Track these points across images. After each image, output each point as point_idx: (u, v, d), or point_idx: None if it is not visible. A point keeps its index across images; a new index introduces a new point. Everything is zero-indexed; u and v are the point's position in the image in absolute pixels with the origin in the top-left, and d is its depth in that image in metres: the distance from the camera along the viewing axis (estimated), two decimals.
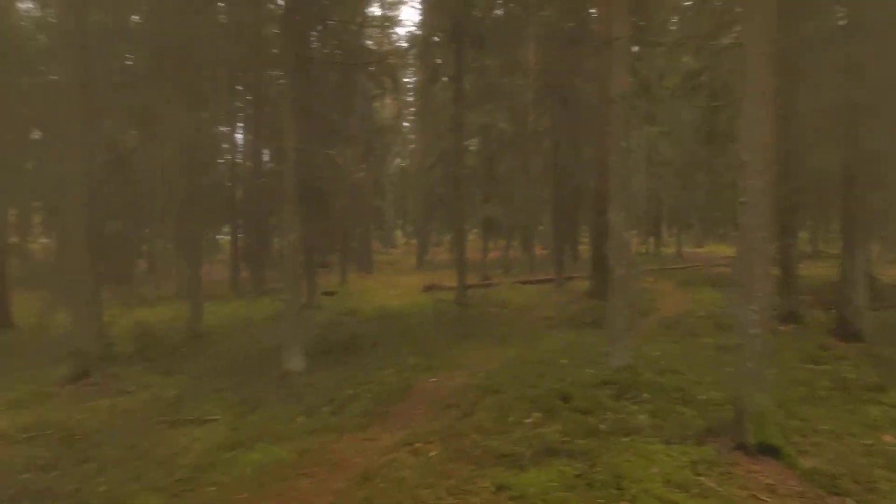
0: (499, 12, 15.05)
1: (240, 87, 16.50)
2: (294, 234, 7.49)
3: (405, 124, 39.16)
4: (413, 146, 36.44)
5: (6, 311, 12.40)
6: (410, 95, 38.48)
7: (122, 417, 6.48)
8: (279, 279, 21.18)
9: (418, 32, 23.49)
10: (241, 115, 18.24)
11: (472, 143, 24.61)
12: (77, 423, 6.17)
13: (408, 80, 32.25)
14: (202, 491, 4.48)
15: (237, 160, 18.90)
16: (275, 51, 13.84)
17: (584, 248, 30.75)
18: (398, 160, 43.30)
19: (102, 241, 8.50)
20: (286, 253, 7.87)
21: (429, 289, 18.34)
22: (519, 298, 15.01)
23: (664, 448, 4.41)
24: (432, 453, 4.66)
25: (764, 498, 3.77)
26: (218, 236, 20.69)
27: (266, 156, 16.29)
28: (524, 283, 18.24)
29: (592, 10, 14.46)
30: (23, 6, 14.37)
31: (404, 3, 29.86)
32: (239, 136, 19.81)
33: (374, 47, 22.61)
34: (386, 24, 27.62)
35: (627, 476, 3.93)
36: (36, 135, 14.66)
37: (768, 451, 4.21)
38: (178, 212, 11.12)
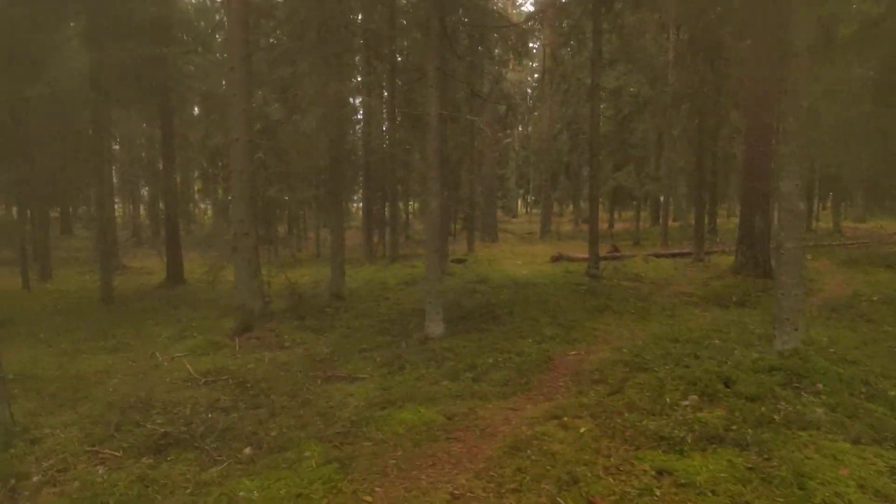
0: None
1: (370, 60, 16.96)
2: (437, 202, 7.60)
3: (528, 91, 38.31)
4: (536, 113, 35.47)
5: (180, 269, 14.02)
6: (535, 61, 37.49)
7: (283, 370, 7.04)
8: (407, 245, 22.05)
9: None
10: (371, 84, 18.78)
11: (602, 109, 23.44)
12: (248, 372, 6.81)
13: (532, 45, 31.26)
14: (360, 445, 4.73)
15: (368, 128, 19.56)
16: (403, 21, 14.09)
17: (721, 221, 28.55)
18: (520, 128, 42.60)
19: (260, 205, 9.19)
20: (428, 220, 8.01)
21: (556, 259, 18.01)
22: (654, 272, 14.23)
23: (852, 448, 3.93)
24: (583, 429, 4.54)
25: None
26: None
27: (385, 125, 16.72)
28: (658, 256, 17.25)
29: None
30: None
31: None
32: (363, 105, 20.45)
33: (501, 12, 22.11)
34: None
35: (812, 476, 3.55)
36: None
37: None
38: (321, 178, 11.76)
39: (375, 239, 20.08)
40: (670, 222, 26.12)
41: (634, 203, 27.15)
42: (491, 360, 6.89)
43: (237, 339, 8.34)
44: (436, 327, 8.14)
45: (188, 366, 6.97)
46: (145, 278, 15.91)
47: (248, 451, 4.68)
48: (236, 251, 8.87)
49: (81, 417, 5.54)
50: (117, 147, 24.53)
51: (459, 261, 15.28)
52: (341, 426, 5.14)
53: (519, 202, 54.19)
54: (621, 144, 24.79)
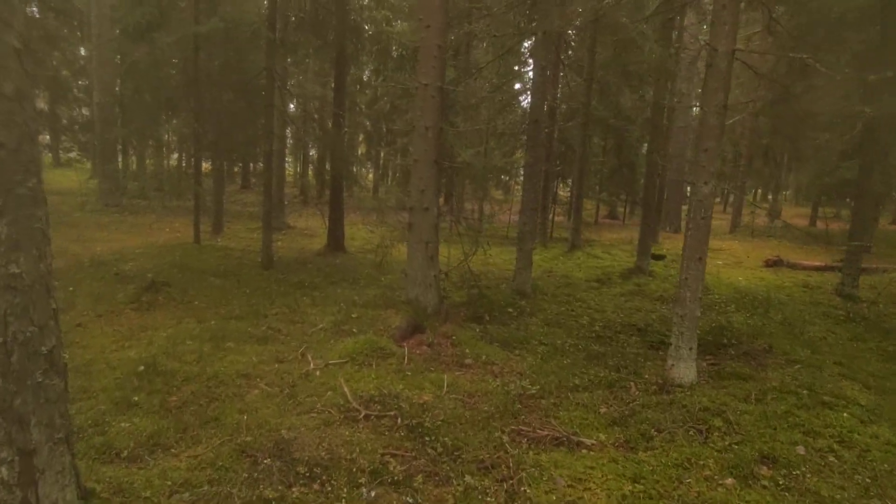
0: None
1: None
2: (709, 188, 4.83)
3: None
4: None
5: (341, 236, 12.61)
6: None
7: (471, 409, 4.82)
8: (568, 227, 19.13)
9: None
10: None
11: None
12: (424, 408, 4.68)
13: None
14: None
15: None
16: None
17: None
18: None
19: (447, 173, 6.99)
20: (697, 211, 5.21)
21: (772, 264, 14.12)
22: None
23: None
24: None
25: None
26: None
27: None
28: None
29: None
30: None
31: None
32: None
33: None
34: None
35: None
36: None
37: None
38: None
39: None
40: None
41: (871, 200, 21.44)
42: (800, 450, 4.06)
43: (406, 345, 6.30)
44: (686, 370, 5.40)
45: (345, 387, 5.01)
46: (307, 241, 14.89)
47: None
48: (412, 229, 6.80)
49: (201, 463, 3.74)
50: (292, 106, 24.37)
51: (658, 256, 12.13)
52: None
53: (688, 189, 47.94)
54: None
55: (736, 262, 14.72)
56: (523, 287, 8.75)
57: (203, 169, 22.59)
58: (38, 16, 23.59)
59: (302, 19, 10.44)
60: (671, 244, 17.72)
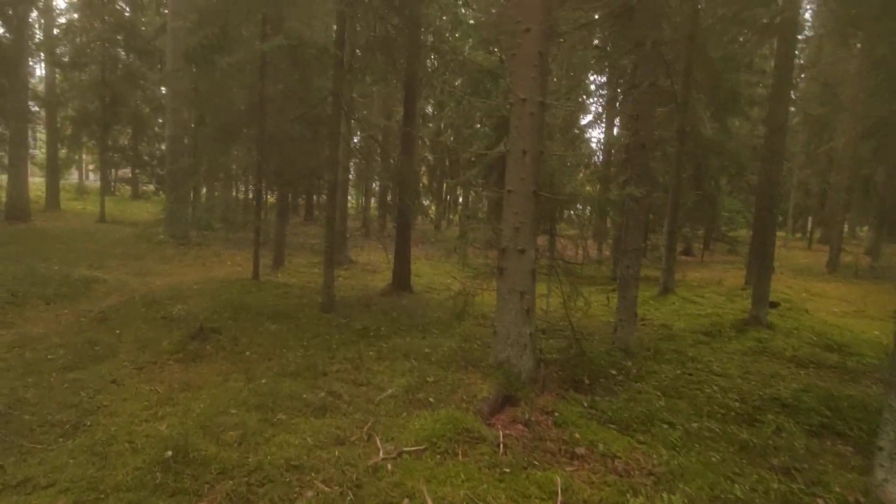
0: None
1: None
2: None
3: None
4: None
5: (406, 274, 11.42)
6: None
7: None
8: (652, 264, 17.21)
9: None
10: None
11: None
12: None
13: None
14: None
15: None
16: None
17: None
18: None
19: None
20: None
21: None
22: None
23: None
24: None
25: None
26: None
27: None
28: None
29: None
30: None
31: None
32: None
33: None
34: None
35: None
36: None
37: None
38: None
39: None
40: None
41: None
42: None
43: (497, 424, 4.89)
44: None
45: (427, 495, 3.64)
46: (369, 278, 13.82)
47: None
48: (503, 275, 5.45)
49: None
50: (356, 139, 23.85)
51: (774, 304, 10.21)
52: None
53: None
54: None
55: (856, 312, 12.50)
56: (626, 343, 7.18)
57: (268, 201, 22.33)
58: (124, 56, 24.41)
59: (371, 39, 9.49)
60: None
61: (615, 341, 7.25)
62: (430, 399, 5.38)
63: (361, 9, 8.76)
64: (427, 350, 7.33)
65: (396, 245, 11.27)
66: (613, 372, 6.62)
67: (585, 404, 5.39)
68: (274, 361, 6.69)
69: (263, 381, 5.89)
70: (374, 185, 30.16)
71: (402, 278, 11.27)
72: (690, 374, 6.78)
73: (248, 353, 6.90)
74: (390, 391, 5.58)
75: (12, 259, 11.34)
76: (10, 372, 5.82)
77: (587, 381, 6.16)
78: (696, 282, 16.04)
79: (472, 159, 25.55)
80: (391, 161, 23.59)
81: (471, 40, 10.19)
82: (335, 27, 8.58)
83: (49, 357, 6.30)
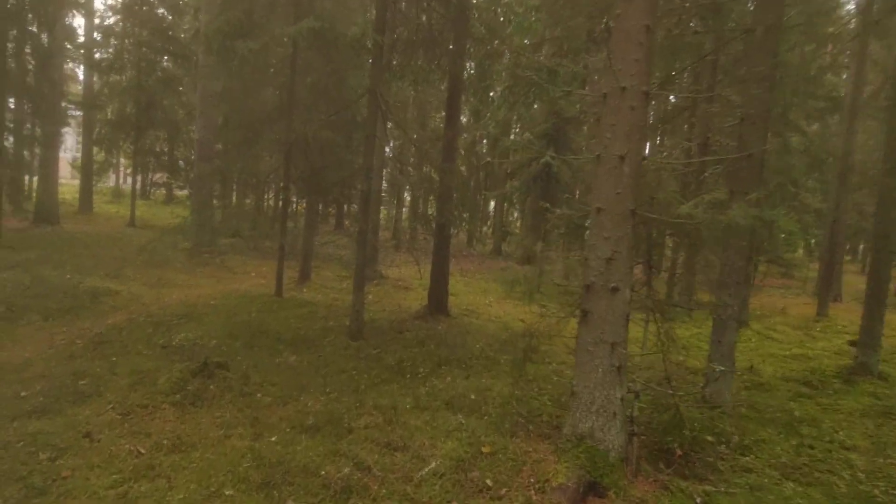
0: None
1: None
2: None
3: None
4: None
5: (444, 296, 10.07)
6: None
7: None
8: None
9: None
10: None
11: None
12: None
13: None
14: None
15: None
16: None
17: None
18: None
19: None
20: None
21: None
22: None
23: None
24: None
25: None
26: None
27: None
28: None
29: None
30: None
31: None
32: None
33: None
34: None
35: None
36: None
37: None
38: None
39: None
40: None
41: None
42: None
43: None
44: None
45: None
46: (401, 296, 12.52)
47: None
48: (587, 321, 4.06)
49: None
50: (388, 150, 22.76)
51: (852, 343, 8.51)
52: None
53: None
54: None
55: None
56: (721, 399, 5.69)
57: (299, 208, 21.29)
58: (160, 60, 23.86)
59: (412, 33, 8.27)
60: (843, 315, 13.73)
61: (707, 396, 5.76)
62: (488, 482, 4.00)
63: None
64: (474, 397, 5.97)
65: (433, 263, 9.95)
66: (710, 439, 5.13)
67: (698, 501, 3.94)
68: (290, 407, 5.42)
69: (274, 438, 4.61)
70: (405, 194, 29.04)
71: (438, 300, 9.93)
72: (811, 447, 5.24)
73: (259, 394, 5.63)
74: (433, 465, 4.22)
75: (23, 266, 10.41)
76: None
77: (679, 452, 4.70)
78: (758, 310, 14.29)
79: (509, 171, 24.22)
80: (424, 170, 22.41)
81: (526, 40, 8.84)
82: (374, 15, 7.37)
83: (22, 394, 5.15)
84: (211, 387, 5.48)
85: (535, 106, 16.85)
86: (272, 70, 9.57)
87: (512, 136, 24.10)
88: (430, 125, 24.43)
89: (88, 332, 7.29)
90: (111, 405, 5.04)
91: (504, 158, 24.00)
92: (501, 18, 9.92)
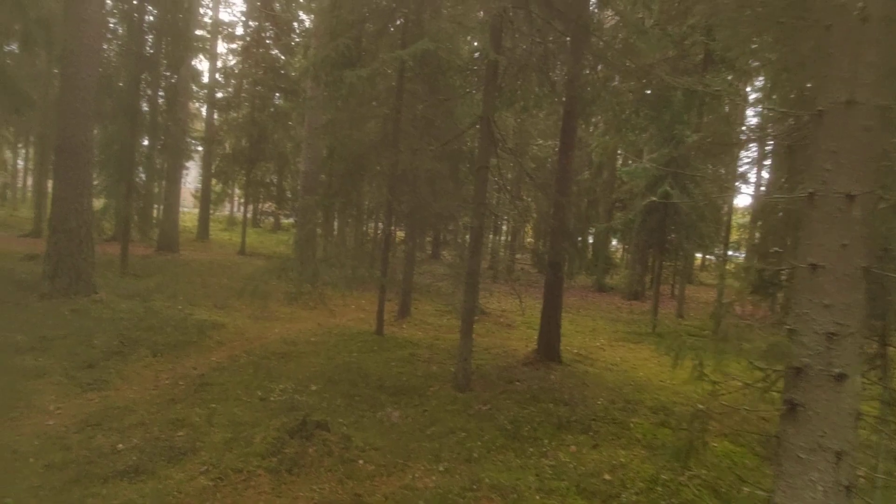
0: None
1: None
2: None
3: None
4: None
5: (556, 339, 9.04)
6: None
7: None
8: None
9: None
10: None
11: None
12: None
13: None
14: None
15: None
16: None
17: None
18: None
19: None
20: None
21: None
22: None
23: None
24: None
25: None
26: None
27: None
28: None
29: None
30: None
31: None
32: None
33: None
34: None
35: None
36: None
37: None
38: None
39: None
40: None
41: None
42: None
43: None
44: None
45: None
46: (505, 336, 11.62)
47: None
48: (797, 419, 2.93)
49: None
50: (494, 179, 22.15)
51: None
52: None
53: None
54: None
55: None
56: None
57: (397, 237, 21.25)
58: (276, 100, 25.19)
59: (526, 54, 7.55)
60: None
61: None
62: None
63: (521, 14, 6.84)
64: (608, 477, 4.93)
65: (545, 303, 8.98)
66: None
67: None
68: (395, 479, 4.69)
69: None
70: (501, 224, 28.22)
71: (549, 345, 8.92)
72: None
73: (361, 461, 4.96)
74: None
75: (141, 296, 10.78)
76: (58, 472, 4.38)
77: None
78: None
79: (617, 203, 22.68)
80: (526, 200, 21.51)
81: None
82: (488, 37, 6.72)
83: (118, 447, 4.84)
84: (310, 450, 4.89)
85: (647, 133, 15.47)
86: (374, 102, 9.31)
87: (618, 164, 22.64)
88: (529, 152, 23.60)
89: (192, 373, 7.10)
90: (204, 468, 4.57)
91: (608, 187, 22.56)
92: (620, 34, 8.95)
